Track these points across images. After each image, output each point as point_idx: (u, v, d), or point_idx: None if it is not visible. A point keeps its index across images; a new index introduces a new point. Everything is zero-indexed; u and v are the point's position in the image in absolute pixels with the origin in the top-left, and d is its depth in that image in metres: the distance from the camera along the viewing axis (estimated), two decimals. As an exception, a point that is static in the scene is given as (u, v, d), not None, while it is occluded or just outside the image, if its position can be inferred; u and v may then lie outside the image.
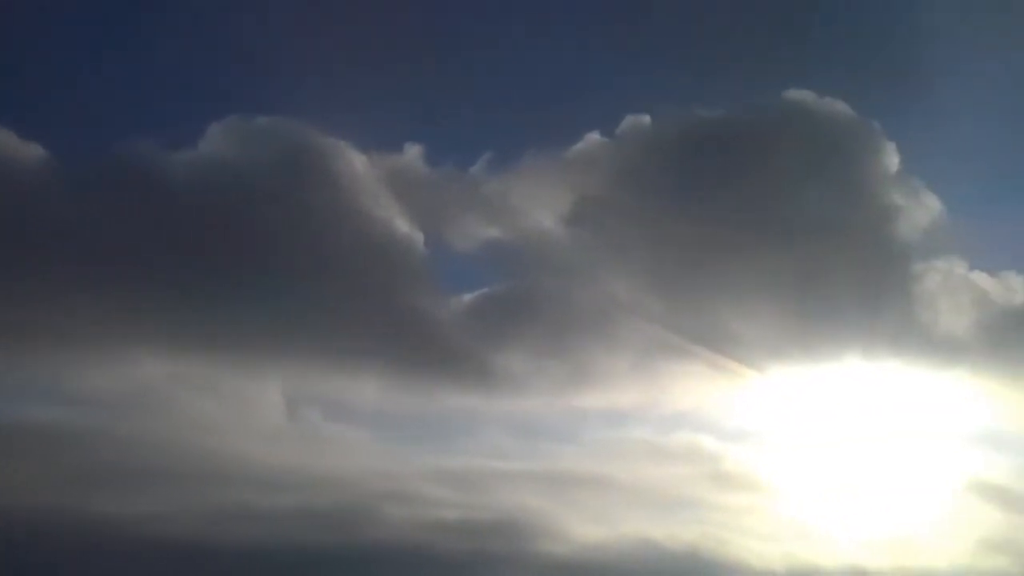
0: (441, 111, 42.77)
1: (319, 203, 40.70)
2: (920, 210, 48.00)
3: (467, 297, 46.78)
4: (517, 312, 46.97)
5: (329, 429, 44.51)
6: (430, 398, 44.67)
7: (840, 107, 46.45)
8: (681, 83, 44.95)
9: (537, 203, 46.22)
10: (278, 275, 39.00)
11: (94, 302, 36.71)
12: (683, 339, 48.92)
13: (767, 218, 44.97)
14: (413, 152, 42.89)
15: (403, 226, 42.07)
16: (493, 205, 46.69)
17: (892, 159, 44.52)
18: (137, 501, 38.93)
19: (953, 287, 49.83)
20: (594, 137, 47.13)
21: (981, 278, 51.79)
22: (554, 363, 47.59)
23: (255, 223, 38.43)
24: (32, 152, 39.20)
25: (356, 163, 41.37)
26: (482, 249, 47.26)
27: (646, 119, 46.34)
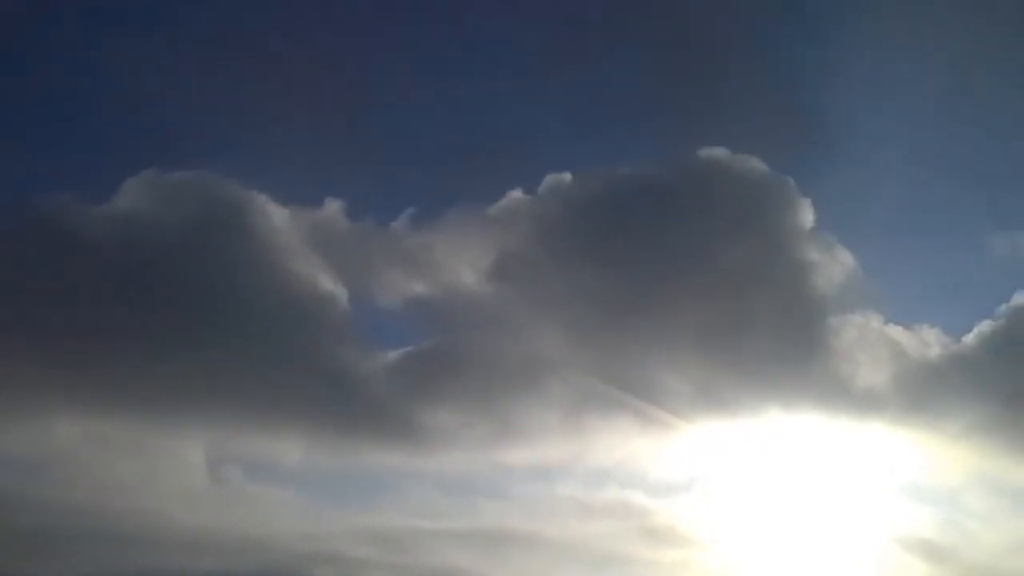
0: (362, 166, 43.03)
1: (239, 258, 40.56)
2: (835, 265, 49.21)
3: (392, 353, 46.74)
4: (443, 368, 47.02)
5: (253, 489, 43.89)
6: (356, 456, 44.32)
7: (755, 164, 47.77)
8: (601, 142, 45.90)
9: (460, 259, 46.59)
10: (199, 332, 38.68)
11: (8, 361, 36.07)
12: (609, 394, 49.24)
13: (687, 273, 45.79)
14: (334, 207, 43.03)
15: (326, 282, 42.02)
16: (417, 261, 46.94)
17: (807, 215, 45.72)
18: (55, 564, 38.02)
19: (869, 340, 50.98)
20: (516, 195, 47.82)
21: (896, 331, 53.08)
22: (480, 419, 47.62)
23: (174, 279, 38.13)
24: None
25: (276, 217, 41.39)
26: (407, 305, 47.39)
27: (567, 177, 47.19)
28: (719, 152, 45.44)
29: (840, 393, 50.21)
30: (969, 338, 57.77)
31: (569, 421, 49.75)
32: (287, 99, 41.96)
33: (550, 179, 45.13)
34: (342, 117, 42.27)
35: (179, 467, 41.92)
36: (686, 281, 44.89)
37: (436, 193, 43.09)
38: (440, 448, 48.61)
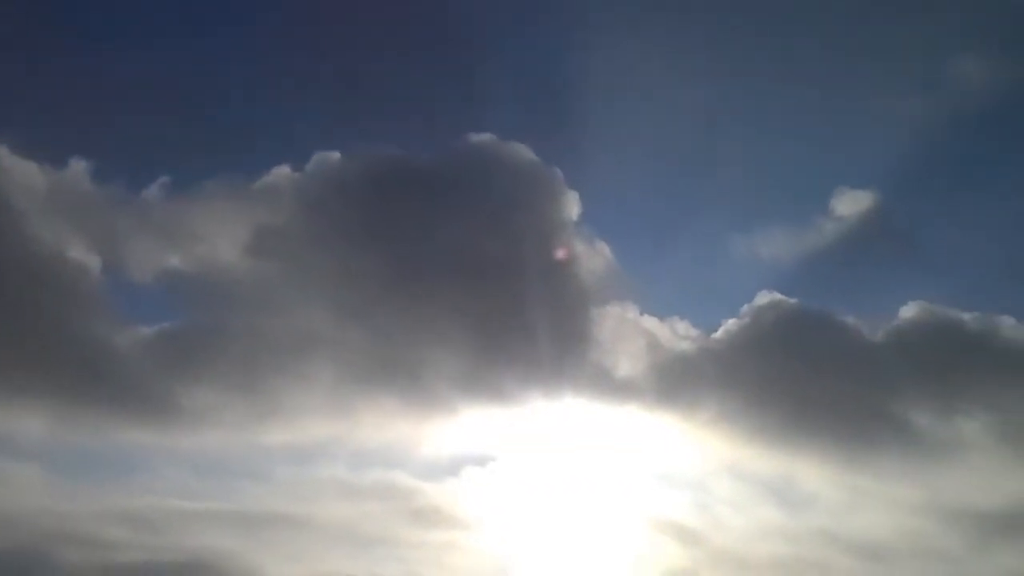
0: (112, 125, 40.99)
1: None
2: (595, 257, 50.91)
3: (147, 328, 45.24)
4: (200, 345, 45.94)
5: (-6, 465, 42.07)
6: (106, 433, 42.85)
7: (524, 153, 48.71)
8: (372, 123, 45.70)
9: (220, 233, 45.53)
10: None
11: None
12: (374, 375, 49.27)
13: (453, 258, 46.27)
14: (79, 167, 41.01)
15: (76, 249, 40.18)
16: (173, 233, 45.51)
17: (572, 207, 46.91)
18: None
19: (625, 331, 52.97)
20: (283, 171, 47.08)
21: (651, 323, 55.47)
22: (240, 398, 46.61)
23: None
24: None
25: (19, 172, 39.23)
26: (163, 279, 45.90)
27: (336, 156, 46.83)
28: (488, 139, 46.07)
29: (599, 381, 51.99)
30: (718, 333, 61.15)
31: (332, 402, 49.48)
32: (32, 44, 39.45)
33: (318, 157, 44.62)
34: (90, 66, 40.02)
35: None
36: (452, 266, 45.38)
37: (194, 163, 41.63)
38: (197, 427, 47.53)
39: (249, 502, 52.94)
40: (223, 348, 45.45)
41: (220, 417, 47.01)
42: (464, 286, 45.52)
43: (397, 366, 46.71)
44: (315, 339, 48.19)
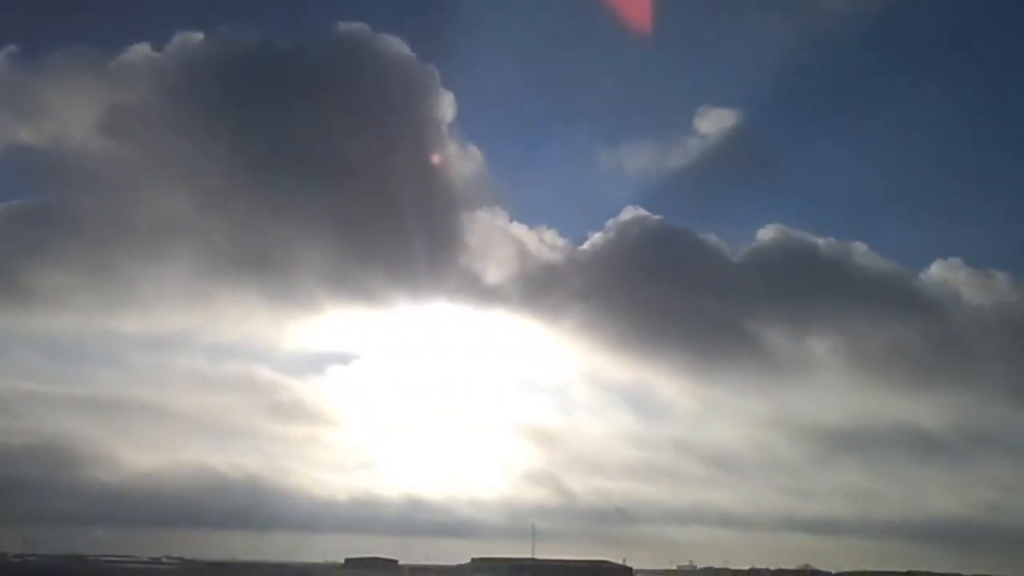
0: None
1: None
2: (468, 161, 50.44)
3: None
4: (52, 225, 44.04)
5: None
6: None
7: (398, 47, 47.30)
8: (237, 5, 43.60)
9: (73, 110, 43.24)
10: None
11: None
12: (233, 267, 48.10)
13: (321, 151, 45.06)
14: None
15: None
16: (21, 105, 42.98)
17: (447, 108, 45.97)
18: None
19: (494, 237, 52.87)
20: (142, 48, 44.73)
21: (520, 230, 55.70)
22: (94, 282, 44.84)
23: None
24: None
25: None
26: (11, 154, 43.47)
27: (199, 36, 44.65)
28: (360, 28, 44.54)
29: (466, 285, 52.13)
30: (584, 246, 62.55)
31: (191, 292, 48.08)
32: None
33: (180, 37, 42.42)
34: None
35: None
36: (319, 160, 44.24)
37: (45, 32, 38.99)
38: (49, 310, 45.95)
39: (104, 388, 51.88)
40: (76, 230, 43.70)
41: (73, 300, 45.63)
42: (331, 181, 44.57)
43: (259, 259, 45.72)
44: (173, 226, 46.72)
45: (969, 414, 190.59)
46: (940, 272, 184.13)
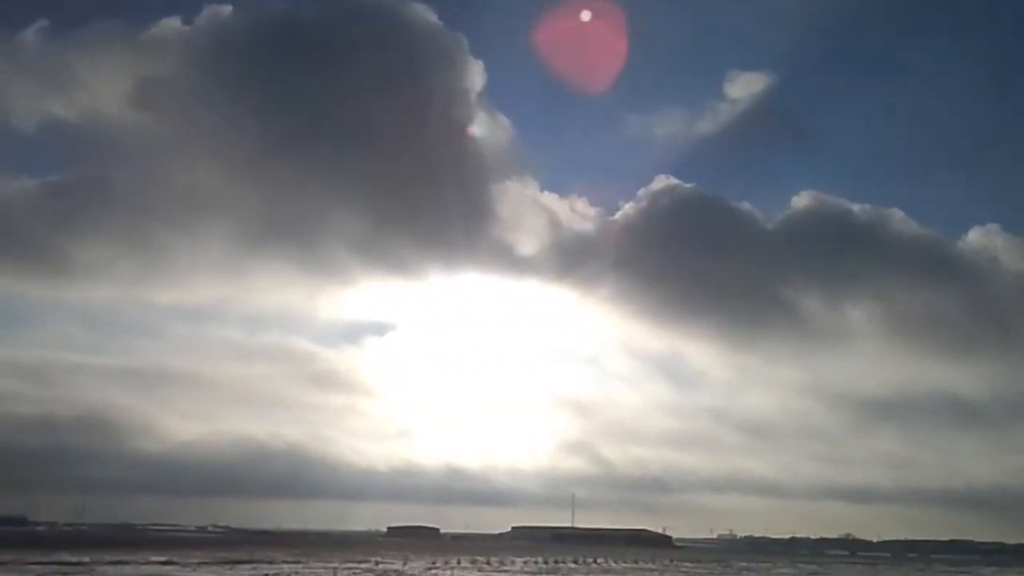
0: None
1: None
2: (498, 130, 50.75)
3: (31, 180, 43.92)
4: (89, 198, 45.12)
5: None
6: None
7: (426, 15, 47.69)
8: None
9: (106, 84, 44.06)
10: None
11: None
12: (267, 239, 48.96)
13: (352, 121, 45.57)
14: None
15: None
16: (55, 81, 43.87)
17: (477, 77, 46.29)
18: None
19: (525, 207, 53.18)
20: (172, 22, 45.46)
21: (551, 199, 55.96)
22: (130, 254, 45.87)
23: None
24: None
25: None
26: (47, 129, 44.45)
27: (228, 8, 45.26)
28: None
29: (498, 255, 52.62)
30: (616, 216, 62.34)
31: (226, 263, 48.99)
32: None
33: (209, 10, 43.07)
34: None
35: None
36: (349, 130, 44.72)
37: (75, 8, 39.79)
38: (88, 282, 46.96)
39: (142, 358, 53.02)
40: (111, 202, 44.77)
41: (109, 272, 46.64)
42: (362, 152, 45.04)
43: (292, 230, 46.48)
44: (207, 197, 47.55)
45: (1008, 381, 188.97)
46: (978, 238, 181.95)
